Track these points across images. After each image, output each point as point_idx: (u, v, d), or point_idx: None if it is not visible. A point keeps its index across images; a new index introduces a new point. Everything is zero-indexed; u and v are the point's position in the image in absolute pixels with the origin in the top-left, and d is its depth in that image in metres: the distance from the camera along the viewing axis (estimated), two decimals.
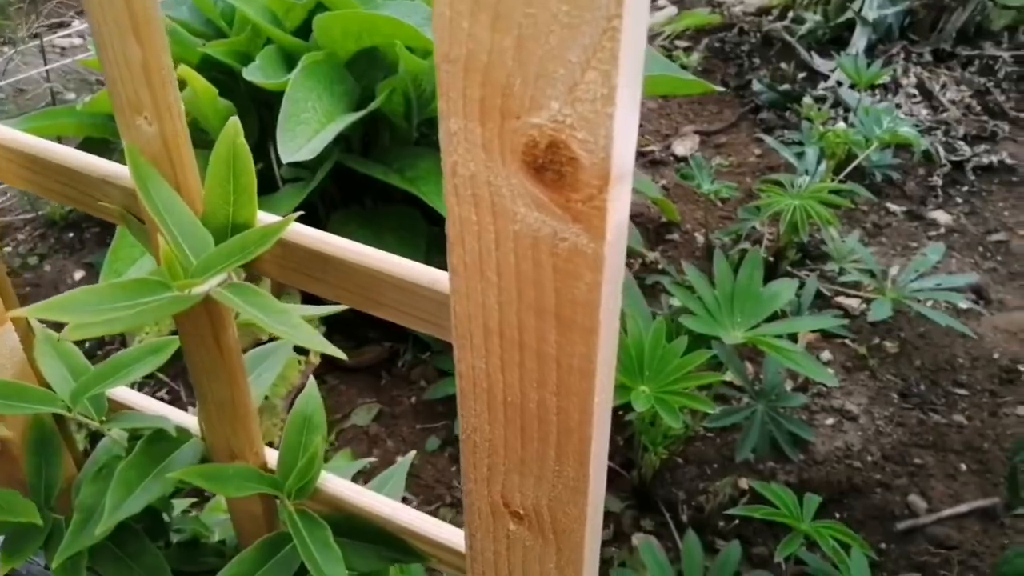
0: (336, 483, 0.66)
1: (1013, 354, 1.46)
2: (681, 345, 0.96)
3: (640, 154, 2.05)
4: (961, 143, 2.00)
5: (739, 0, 2.65)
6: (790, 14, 2.53)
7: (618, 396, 0.93)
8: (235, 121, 0.49)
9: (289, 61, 1.36)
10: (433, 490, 1.33)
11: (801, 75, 2.29)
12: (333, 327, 1.43)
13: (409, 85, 1.27)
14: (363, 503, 0.65)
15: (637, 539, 1.16)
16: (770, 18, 2.56)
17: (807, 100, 2.12)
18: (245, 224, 0.50)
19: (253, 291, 0.48)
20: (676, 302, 1.25)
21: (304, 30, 1.39)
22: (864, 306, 1.52)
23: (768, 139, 1.73)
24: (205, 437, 0.64)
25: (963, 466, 1.27)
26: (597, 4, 0.28)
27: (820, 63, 2.31)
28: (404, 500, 1.26)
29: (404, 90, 1.30)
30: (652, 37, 2.52)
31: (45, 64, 1.99)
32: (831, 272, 1.57)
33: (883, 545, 1.15)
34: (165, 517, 0.77)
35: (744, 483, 1.22)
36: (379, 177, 1.33)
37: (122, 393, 0.71)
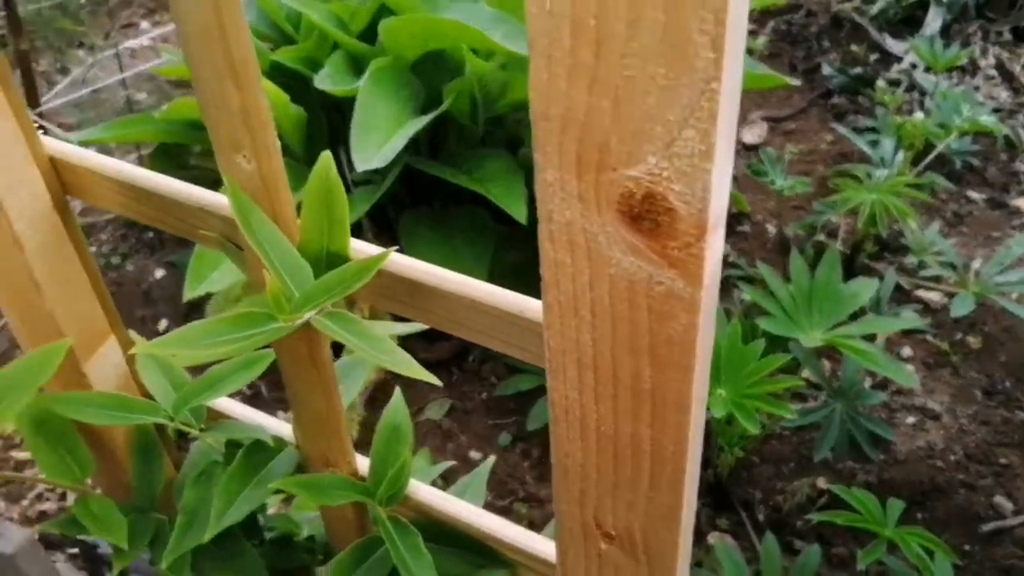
0: (424, 491, 0.68)
1: None
2: (758, 348, 0.95)
3: None
4: None
5: None
6: None
7: None
8: (328, 156, 0.51)
9: (356, 65, 1.38)
10: (506, 485, 1.35)
11: (873, 57, 2.22)
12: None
13: (475, 87, 1.29)
14: (450, 510, 0.67)
15: (713, 538, 1.17)
16: None
17: (880, 84, 2.06)
18: (339, 253, 0.53)
19: (350, 319, 0.50)
20: (748, 296, 1.24)
21: (369, 33, 1.41)
22: (946, 300, 1.48)
23: (841, 128, 1.69)
24: (300, 446, 0.67)
25: None
26: (695, 68, 0.29)
27: (892, 44, 2.23)
28: None
29: (470, 92, 1.32)
30: None
31: (121, 71, 2.06)
32: (911, 265, 1.53)
33: (967, 547, 1.13)
34: (259, 517, 0.80)
35: (822, 483, 1.21)
36: (448, 179, 1.35)
37: (218, 401, 0.75)
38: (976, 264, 1.48)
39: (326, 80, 1.26)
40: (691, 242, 0.33)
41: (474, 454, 1.38)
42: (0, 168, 0.57)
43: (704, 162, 0.31)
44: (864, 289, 1.12)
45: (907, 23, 2.32)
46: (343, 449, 0.66)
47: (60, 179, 0.62)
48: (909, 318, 1.21)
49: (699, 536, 1.18)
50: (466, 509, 0.68)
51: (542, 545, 0.65)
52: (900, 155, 1.51)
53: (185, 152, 1.49)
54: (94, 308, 0.67)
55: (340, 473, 0.66)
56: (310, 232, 0.52)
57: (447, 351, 1.53)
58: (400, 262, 0.52)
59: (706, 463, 1.23)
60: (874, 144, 1.60)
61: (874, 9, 2.34)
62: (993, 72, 2.09)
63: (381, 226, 1.48)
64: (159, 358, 0.70)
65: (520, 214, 1.25)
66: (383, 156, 1.11)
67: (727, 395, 0.91)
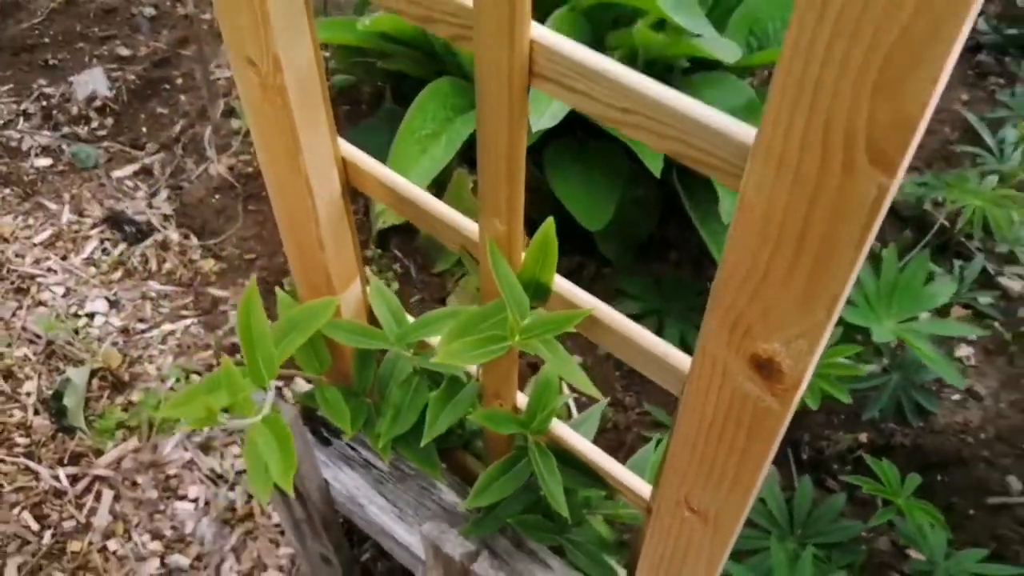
0: (561, 428, 0.95)
1: None
2: (835, 334, 1.16)
3: None
4: None
5: None
6: None
7: None
8: (551, 221, 0.73)
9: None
10: (598, 389, 1.62)
11: None
12: None
13: (639, 47, 1.43)
14: (575, 443, 0.94)
15: None
16: None
17: None
18: (545, 284, 0.76)
19: (552, 343, 0.74)
20: None
21: None
22: None
23: (970, 116, 1.76)
24: (479, 379, 0.94)
25: None
26: (816, 322, 0.50)
27: None
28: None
29: (632, 46, 1.46)
30: None
31: None
32: (1003, 252, 1.66)
33: (971, 512, 1.37)
34: None
35: (864, 438, 1.44)
36: (596, 122, 1.53)
37: None
38: None
39: None
40: (790, 388, 0.56)
41: (577, 358, 1.65)
42: (314, 166, 0.81)
43: (808, 356, 0.53)
44: (943, 292, 1.29)
45: None
46: (511, 387, 0.92)
47: (347, 174, 0.85)
48: (965, 328, 1.37)
49: None
50: (586, 446, 0.95)
51: (635, 480, 0.92)
52: (1019, 151, 1.60)
53: (366, 54, 1.69)
54: (351, 260, 0.92)
55: (506, 405, 0.93)
56: (529, 267, 0.75)
57: (563, 267, 1.76)
58: (588, 303, 0.75)
59: None
60: (998, 124, 1.67)
61: None
62: None
63: (529, 156, 1.69)
64: (385, 295, 0.96)
65: (655, 167, 1.44)
66: (553, 115, 1.30)
67: None
